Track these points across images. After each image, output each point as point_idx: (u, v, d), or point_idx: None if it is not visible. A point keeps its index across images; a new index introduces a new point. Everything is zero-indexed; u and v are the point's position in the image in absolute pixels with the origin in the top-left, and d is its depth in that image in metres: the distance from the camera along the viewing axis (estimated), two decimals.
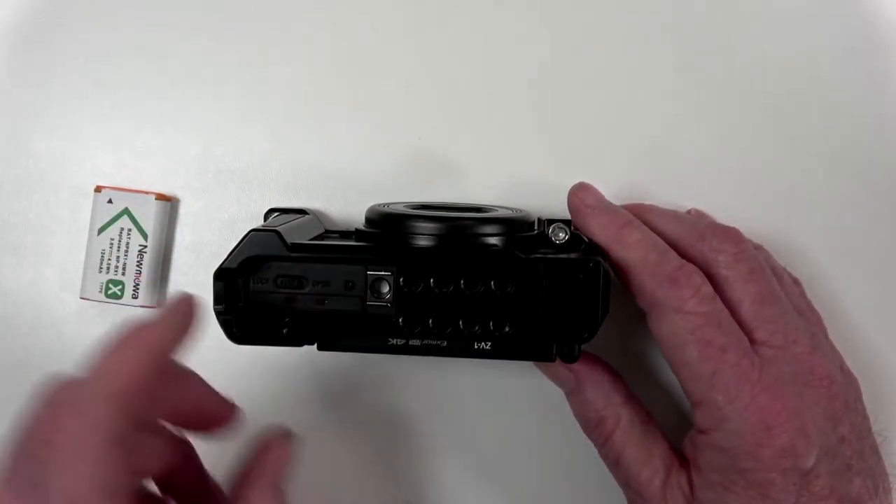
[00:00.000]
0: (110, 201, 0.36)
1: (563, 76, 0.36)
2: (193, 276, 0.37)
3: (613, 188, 0.35)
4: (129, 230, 0.36)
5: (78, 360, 0.37)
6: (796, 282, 0.34)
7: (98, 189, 0.36)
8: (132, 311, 0.37)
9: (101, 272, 0.36)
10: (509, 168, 0.36)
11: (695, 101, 0.36)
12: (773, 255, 0.34)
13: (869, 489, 0.29)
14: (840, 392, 0.30)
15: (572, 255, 0.30)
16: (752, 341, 0.29)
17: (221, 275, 0.29)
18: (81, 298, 0.36)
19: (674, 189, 0.35)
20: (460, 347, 0.30)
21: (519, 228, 0.31)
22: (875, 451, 0.31)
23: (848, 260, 0.36)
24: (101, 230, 0.36)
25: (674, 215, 0.33)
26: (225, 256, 0.29)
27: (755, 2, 0.36)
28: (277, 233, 0.29)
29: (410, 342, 0.30)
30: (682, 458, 0.31)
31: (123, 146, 0.37)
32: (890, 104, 0.36)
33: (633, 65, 0.36)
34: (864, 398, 0.31)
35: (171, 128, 0.37)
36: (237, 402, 0.30)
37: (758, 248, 0.34)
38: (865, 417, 0.31)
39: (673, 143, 0.36)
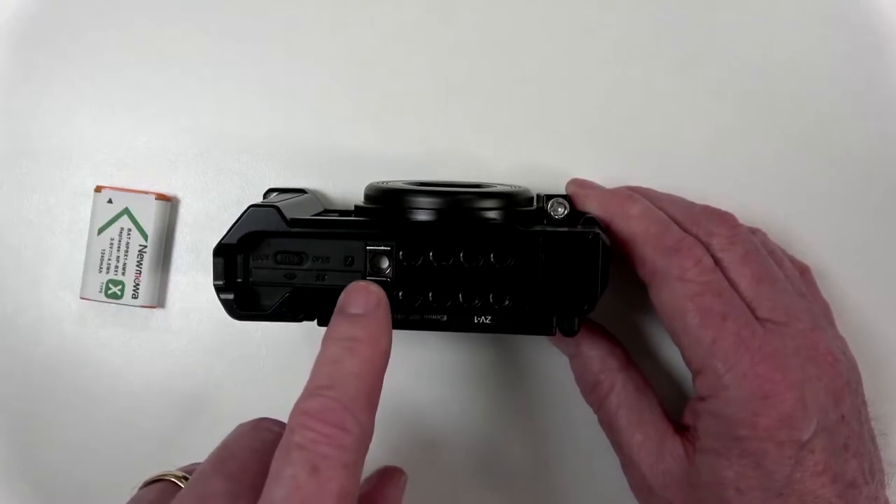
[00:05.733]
0: (110, 201, 0.36)
1: (563, 73, 0.37)
2: (193, 276, 0.37)
3: (613, 184, 0.35)
4: (129, 230, 0.36)
5: (77, 361, 0.38)
6: (805, 269, 0.34)
7: (98, 189, 0.36)
8: (132, 310, 0.37)
9: (101, 272, 0.36)
10: (509, 158, 0.36)
11: (695, 100, 0.36)
12: None
13: (864, 472, 0.29)
14: (843, 372, 0.30)
15: (572, 229, 0.30)
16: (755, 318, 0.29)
17: (221, 250, 0.29)
18: (81, 298, 0.36)
19: (674, 186, 0.35)
20: (460, 321, 0.30)
21: (518, 203, 0.31)
22: (873, 439, 0.31)
23: (848, 258, 0.36)
24: (101, 230, 0.36)
25: (669, 198, 0.33)
26: (224, 232, 0.29)
27: (756, 1, 0.36)
28: (277, 208, 0.29)
29: (410, 317, 0.30)
30: (678, 426, 0.31)
31: (123, 146, 0.37)
32: (890, 103, 0.36)
33: (634, 63, 0.36)
34: (866, 393, 0.31)
35: (171, 128, 0.37)
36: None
37: (754, 231, 0.34)
38: (865, 404, 0.31)
39: (672, 141, 0.36)
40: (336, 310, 0.26)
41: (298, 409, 0.23)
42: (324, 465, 0.22)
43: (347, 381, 0.24)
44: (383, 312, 0.26)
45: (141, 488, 0.28)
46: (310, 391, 0.24)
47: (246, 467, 0.24)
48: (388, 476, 0.30)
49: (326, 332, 0.26)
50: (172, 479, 0.27)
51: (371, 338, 0.25)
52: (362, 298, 0.26)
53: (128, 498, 0.27)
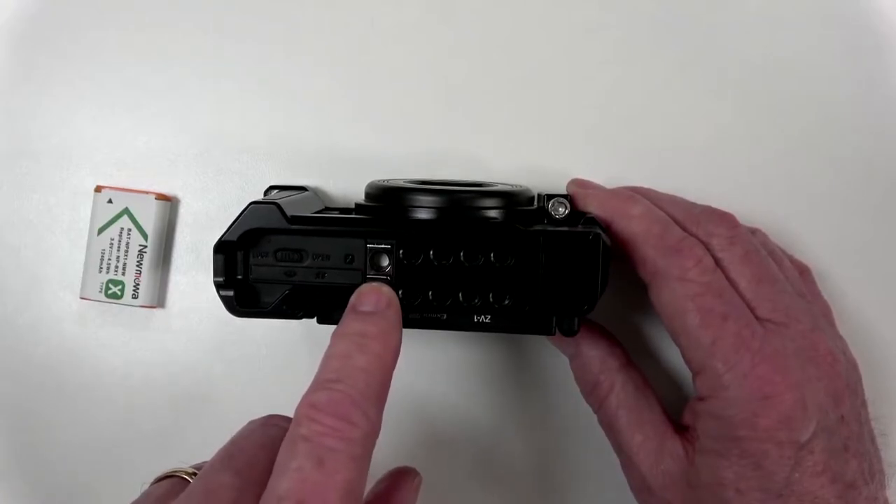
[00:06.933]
0: (110, 201, 0.36)
1: (563, 73, 0.37)
2: (193, 275, 0.37)
3: (613, 184, 0.35)
4: (129, 230, 0.36)
5: (77, 361, 0.38)
6: (805, 269, 0.34)
7: (98, 189, 0.36)
8: (132, 310, 0.37)
9: (101, 272, 0.36)
10: (509, 158, 0.36)
11: (695, 100, 0.36)
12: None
13: (864, 473, 0.29)
14: (843, 372, 0.30)
15: (572, 229, 0.30)
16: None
17: (221, 247, 0.29)
18: (81, 298, 0.36)
19: (674, 186, 0.35)
20: (460, 320, 0.30)
21: (519, 203, 0.31)
22: (873, 439, 0.31)
23: (848, 258, 0.36)
24: (101, 230, 0.36)
25: (670, 199, 0.33)
26: (224, 229, 0.29)
27: (756, 1, 0.36)
28: (277, 205, 0.29)
29: (410, 315, 0.30)
30: (678, 427, 0.31)
31: (123, 146, 0.37)
32: (890, 103, 0.36)
33: (634, 63, 0.36)
34: (866, 394, 0.31)
35: (171, 128, 0.37)
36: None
37: (754, 231, 0.34)
38: (865, 404, 0.31)
39: (672, 141, 0.36)
40: (347, 309, 0.26)
41: (305, 402, 0.23)
42: (330, 457, 0.22)
43: (356, 375, 0.24)
44: (394, 312, 0.26)
45: (151, 484, 0.28)
46: (317, 384, 0.24)
47: (253, 462, 0.24)
48: (402, 477, 0.30)
49: (336, 329, 0.26)
50: (182, 476, 0.27)
51: (381, 334, 0.25)
52: (374, 297, 0.26)
53: (137, 494, 0.27)
